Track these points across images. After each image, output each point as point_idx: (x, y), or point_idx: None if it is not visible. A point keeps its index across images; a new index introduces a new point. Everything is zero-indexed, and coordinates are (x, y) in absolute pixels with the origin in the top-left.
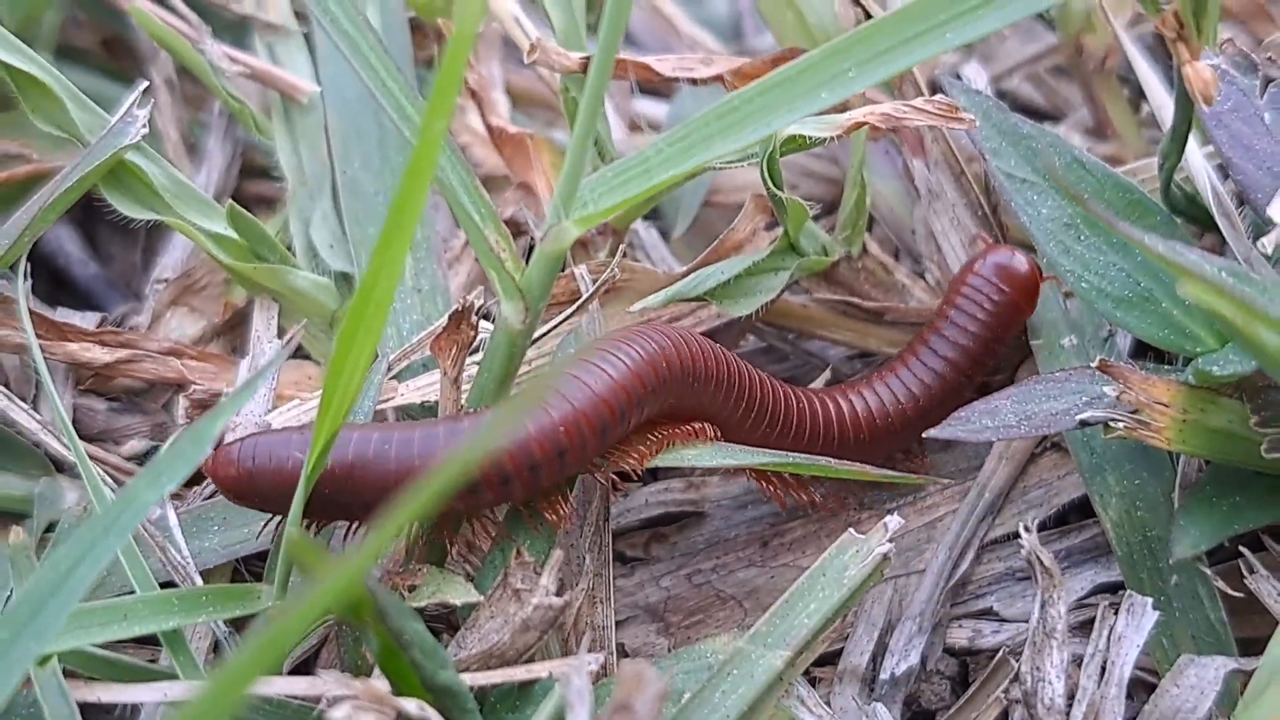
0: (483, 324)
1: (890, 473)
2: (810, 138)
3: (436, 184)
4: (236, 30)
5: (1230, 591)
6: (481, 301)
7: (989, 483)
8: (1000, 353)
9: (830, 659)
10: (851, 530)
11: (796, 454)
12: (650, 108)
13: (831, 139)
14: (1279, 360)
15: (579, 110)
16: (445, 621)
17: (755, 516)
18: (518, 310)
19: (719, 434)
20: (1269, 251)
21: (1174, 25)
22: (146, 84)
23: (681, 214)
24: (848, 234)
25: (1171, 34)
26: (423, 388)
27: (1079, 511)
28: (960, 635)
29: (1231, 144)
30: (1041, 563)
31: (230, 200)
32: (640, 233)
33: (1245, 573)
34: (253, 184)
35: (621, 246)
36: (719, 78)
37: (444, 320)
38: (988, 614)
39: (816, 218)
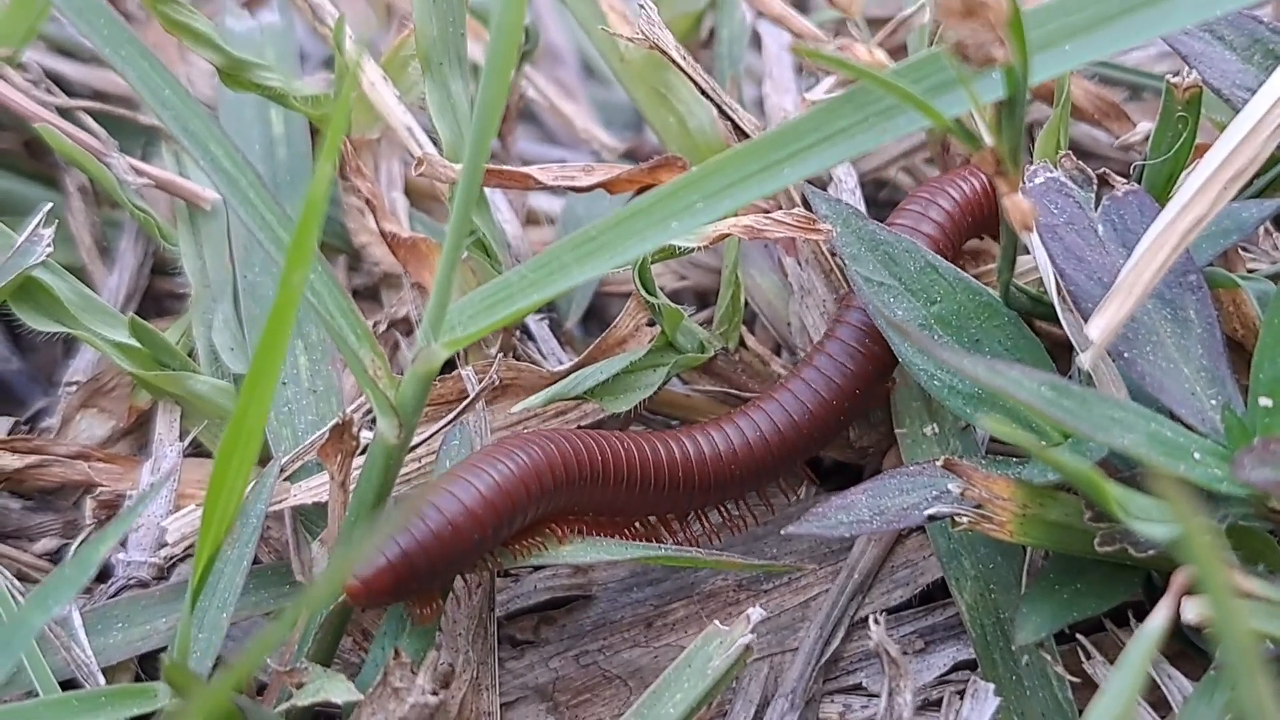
0: (367, 432)
1: (755, 561)
2: (679, 248)
3: (313, 312)
4: (148, 136)
5: (1070, 677)
6: (363, 413)
7: (858, 564)
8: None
9: None
10: (716, 623)
11: (669, 546)
12: (546, 203)
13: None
14: (1078, 478)
15: (445, 241)
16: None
17: (640, 599)
18: (392, 426)
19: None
20: (1086, 369)
21: (991, 162)
22: (50, 205)
23: (575, 306)
24: (724, 329)
25: (990, 170)
26: (314, 489)
27: (943, 589)
28: (832, 710)
29: (1065, 256)
30: (888, 653)
31: (132, 314)
32: (532, 327)
33: (1083, 658)
34: (165, 282)
35: (496, 350)
36: (601, 184)
37: (325, 432)
38: (858, 689)
39: (702, 308)
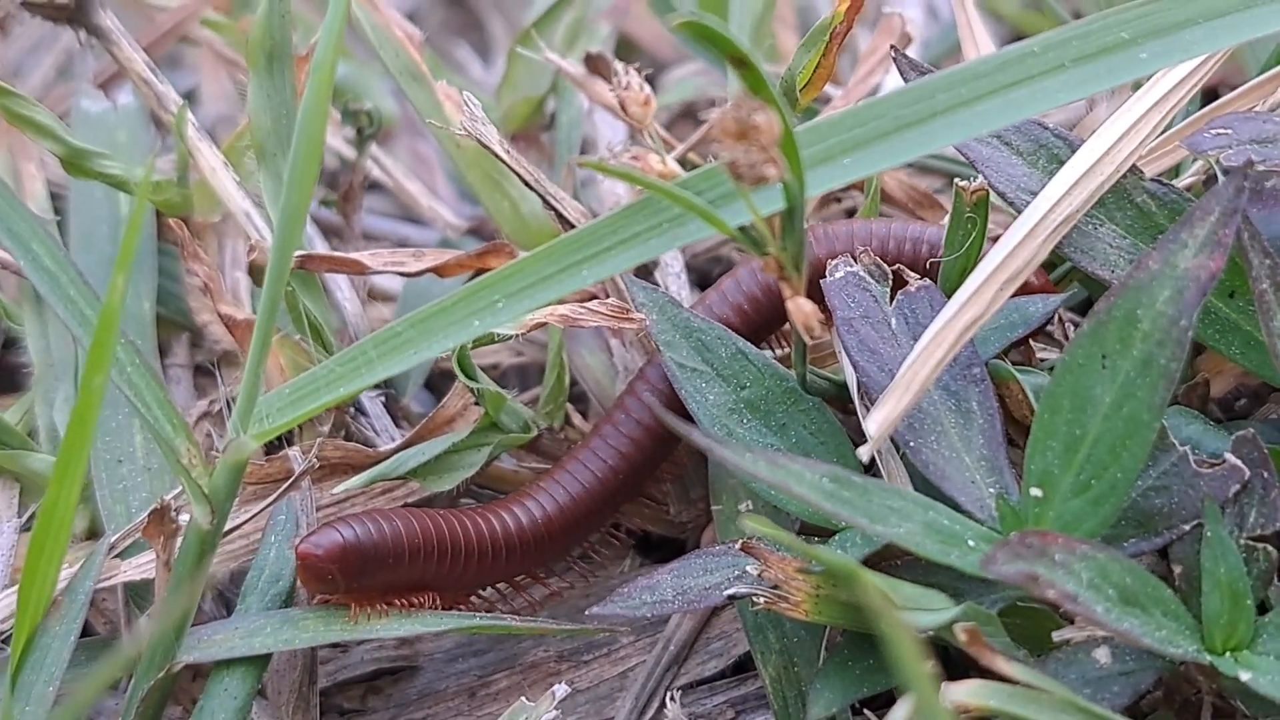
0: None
1: (569, 626)
2: (498, 334)
3: (130, 403)
4: None
5: None
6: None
7: (674, 636)
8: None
9: None
10: (524, 699)
11: (483, 614)
12: (389, 280)
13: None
14: (839, 571)
15: (252, 339)
16: None
17: (465, 669)
18: (205, 513)
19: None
20: (864, 461)
21: (775, 268)
22: None
23: (411, 383)
24: (549, 409)
25: (774, 274)
26: (142, 565)
27: None
28: None
29: (859, 348)
30: None
31: None
32: (366, 403)
33: None
34: (15, 358)
35: (327, 428)
36: (431, 270)
37: (144, 517)
38: None
39: (538, 384)
